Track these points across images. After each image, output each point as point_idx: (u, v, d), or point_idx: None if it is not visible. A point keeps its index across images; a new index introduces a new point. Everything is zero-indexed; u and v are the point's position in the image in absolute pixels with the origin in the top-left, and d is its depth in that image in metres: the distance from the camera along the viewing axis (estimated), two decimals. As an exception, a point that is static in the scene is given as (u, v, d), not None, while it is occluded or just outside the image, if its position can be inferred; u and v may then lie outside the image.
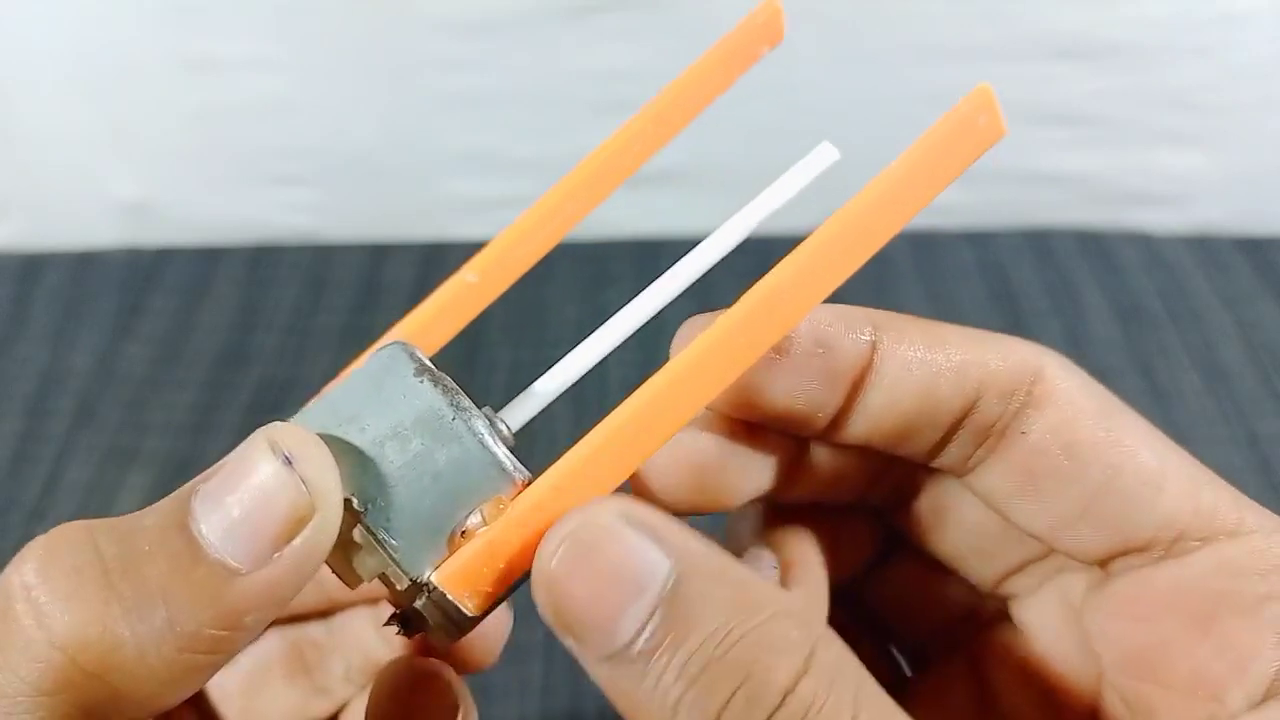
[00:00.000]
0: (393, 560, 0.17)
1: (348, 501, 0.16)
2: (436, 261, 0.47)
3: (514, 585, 0.17)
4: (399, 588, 0.17)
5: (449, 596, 0.17)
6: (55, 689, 0.14)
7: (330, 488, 0.16)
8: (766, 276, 0.17)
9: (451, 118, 0.46)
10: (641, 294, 0.19)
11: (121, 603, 0.15)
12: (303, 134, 0.47)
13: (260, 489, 0.16)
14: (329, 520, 0.16)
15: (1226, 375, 0.41)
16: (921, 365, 0.19)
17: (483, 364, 0.43)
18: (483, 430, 0.17)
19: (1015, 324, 0.43)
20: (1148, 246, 0.46)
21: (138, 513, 0.16)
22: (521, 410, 0.18)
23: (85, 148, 0.48)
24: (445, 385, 0.17)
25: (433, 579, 0.17)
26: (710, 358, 0.17)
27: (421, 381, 0.17)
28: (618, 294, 0.45)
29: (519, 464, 0.17)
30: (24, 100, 0.46)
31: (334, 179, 0.49)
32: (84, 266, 0.48)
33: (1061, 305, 0.44)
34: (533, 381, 0.19)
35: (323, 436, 0.16)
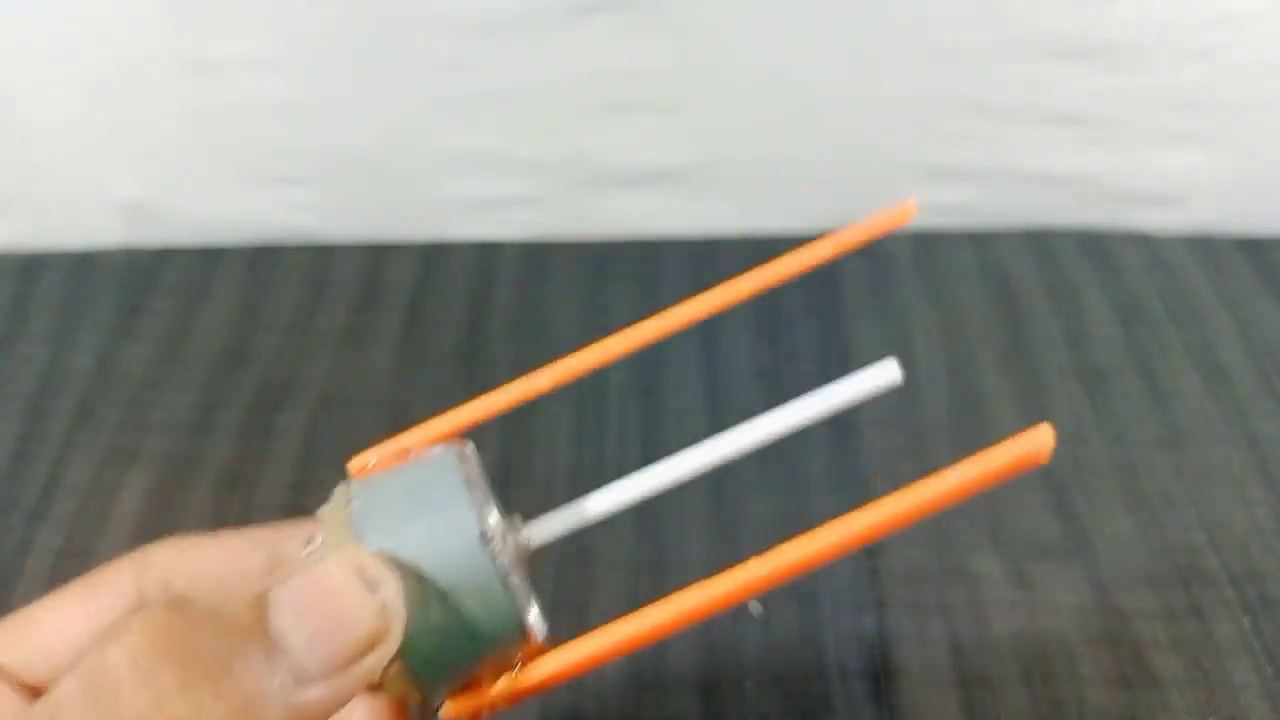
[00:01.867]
0: (417, 690, 0.19)
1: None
2: (436, 261, 0.48)
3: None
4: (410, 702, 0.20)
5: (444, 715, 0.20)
6: None
7: (400, 617, 0.18)
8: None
9: (451, 118, 0.46)
10: (699, 448, 0.22)
11: (224, 699, 0.16)
12: (303, 134, 0.47)
13: (345, 607, 0.17)
14: (393, 646, 0.18)
15: (1226, 375, 0.41)
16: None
17: (483, 363, 0.43)
18: (526, 610, 0.20)
19: (1015, 324, 0.43)
20: (1148, 246, 0.46)
21: (211, 609, 0.17)
22: (557, 524, 0.21)
23: (85, 148, 0.48)
24: (498, 557, 0.19)
25: (441, 712, 0.20)
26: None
27: (484, 551, 0.19)
28: (617, 294, 0.45)
29: (540, 624, 0.20)
30: (24, 100, 0.46)
31: (334, 179, 0.49)
32: (84, 266, 0.48)
33: (1061, 305, 0.44)
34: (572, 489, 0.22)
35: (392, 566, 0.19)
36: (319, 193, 0.49)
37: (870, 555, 0.35)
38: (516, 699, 0.20)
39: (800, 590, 0.35)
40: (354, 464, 0.22)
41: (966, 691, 0.32)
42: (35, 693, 0.20)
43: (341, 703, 0.17)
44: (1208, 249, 0.46)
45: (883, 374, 0.21)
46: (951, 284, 0.45)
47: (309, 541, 0.19)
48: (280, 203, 0.49)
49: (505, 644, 0.20)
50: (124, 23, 0.44)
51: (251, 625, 0.17)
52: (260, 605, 0.17)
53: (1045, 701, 0.32)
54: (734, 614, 0.34)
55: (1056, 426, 0.42)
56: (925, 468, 0.41)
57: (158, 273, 0.48)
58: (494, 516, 0.20)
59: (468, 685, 0.20)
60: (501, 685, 0.20)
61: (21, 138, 0.48)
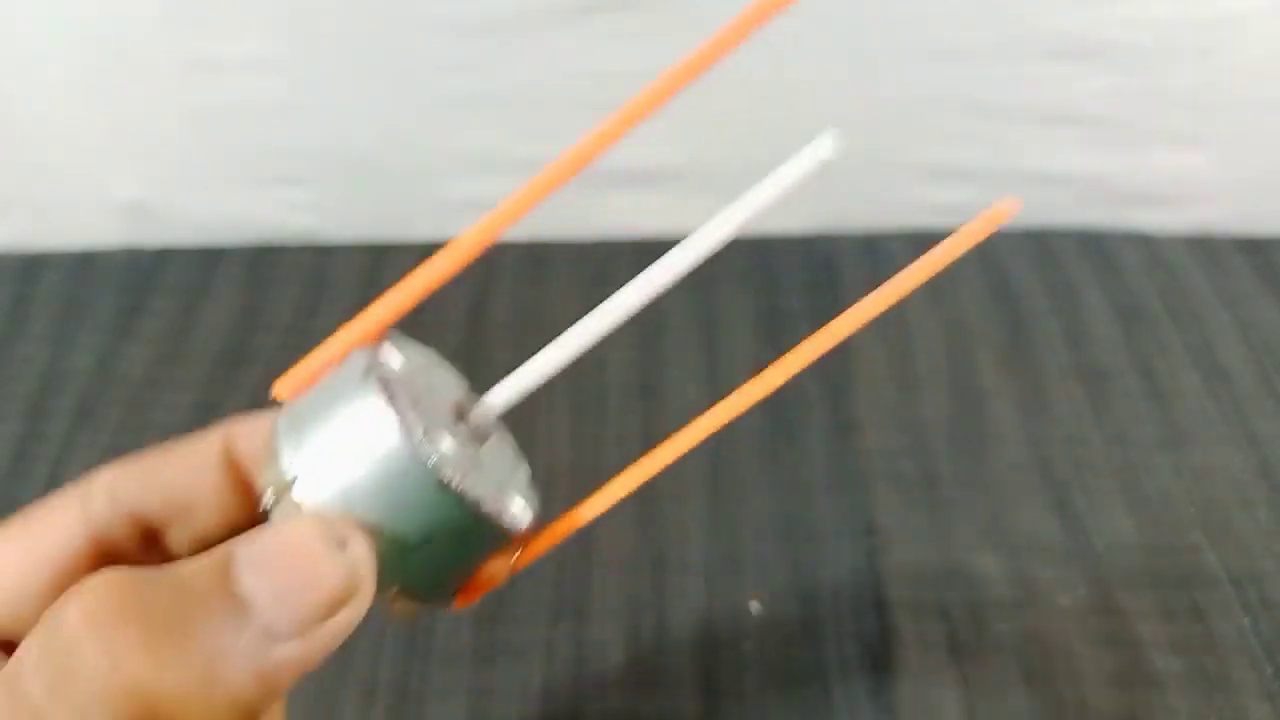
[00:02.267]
0: (422, 603, 0.20)
1: (381, 583, 0.18)
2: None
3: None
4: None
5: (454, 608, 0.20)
6: None
7: (371, 573, 0.18)
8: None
9: (451, 118, 0.46)
10: (629, 285, 0.21)
11: (186, 656, 0.16)
12: (303, 134, 0.47)
13: (313, 566, 0.17)
14: (364, 602, 0.17)
15: (1226, 375, 0.41)
16: None
17: (482, 363, 0.43)
18: (501, 505, 0.19)
19: (1015, 324, 0.43)
20: (1148, 246, 0.46)
21: (172, 565, 0.17)
22: (506, 393, 0.21)
23: (85, 148, 0.48)
24: (464, 489, 0.19)
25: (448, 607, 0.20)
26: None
27: (446, 495, 0.18)
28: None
29: (525, 514, 0.20)
30: (24, 100, 0.46)
31: (334, 179, 0.49)
32: (84, 266, 0.48)
33: (1061, 305, 0.44)
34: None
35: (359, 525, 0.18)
36: (319, 193, 0.49)
37: (870, 555, 0.36)
38: (520, 569, 0.21)
39: (800, 590, 0.35)
40: (280, 388, 0.21)
41: (966, 691, 0.32)
42: None
43: (313, 661, 0.17)
44: (1208, 249, 0.46)
45: (820, 148, 0.19)
46: (951, 284, 0.45)
47: (265, 498, 0.19)
48: (280, 203, 0.49)
49: (494, 540, 0.19)
50: (124, 23, 0.44)
51: (216, 584, 0.16)
52: (224, 564, 0.17)
53: (1045, 701, 0.32)
54: (734, 613, 0.34)
55: (1056, 427, 0.42)
56: (925, 468, 0.41)
57: (158, 273, 0.48)
58: (444, 442, 0.19)
59: (472, 578, 0.20)
60: (502, 572, 0.20)
61: (21, 138, 0.48)
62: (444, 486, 0.18)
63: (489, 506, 0.19)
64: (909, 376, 0.41)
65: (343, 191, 0.49)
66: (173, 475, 0.21)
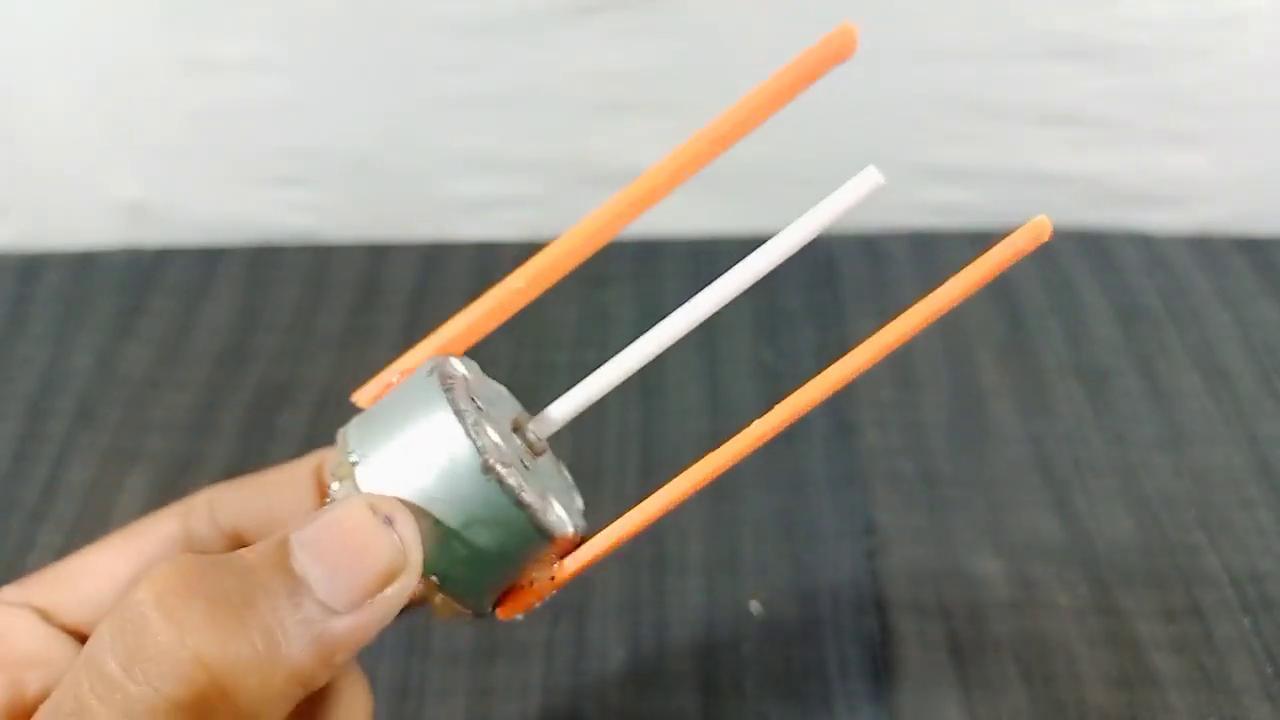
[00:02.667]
0: (463, 607, 0.20)
1: (425, 567, 0.19)
2: (436, 261, 0.48)
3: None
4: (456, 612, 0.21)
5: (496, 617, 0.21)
6: (192, 705, 0.16)
7: (417, 548, 0.19)
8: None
9: (451, 118, 0.46)
10: (674, 314, 0.22)
11: (247, 631, 0.17)
12: (302, 134, 0.47)
13: (363, 543, 0.18)
14: (413, 577, 0.19)
15: (1226, 375, 0.41)
16: None
17: (482, 363, 0.43)
18: (547, 513, 0.20)
19: (1015, 324, 0.43)
20: (1148, 246, 0.46)
21: (234, 553, 0.18)
22: (567, 407, 0.22)
23: (85, 148, 0.48)
24: (506, 477, 0.19)
25: (496, 612, 0.21)
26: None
27: (488, 480, 0.19)
28: (618, 294, 0.45)
29: (566, 521, 0.21)
30: (24, 100, 0.46)
31: (334, 179, 0.49)
32: (84, 266, 0.48)
33: (1061, 305, 0.44)
34: (559, 381, 0.22)
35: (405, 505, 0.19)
36: (319, 193, 0.49)
37: (870, 556, 0.36)
38: (564, 583, 0.21)
39: (800, 590, 0.35)
40: (360, 396, 0.23)
41: (966, 691, 0.32)
42: (81, 637, 0.21)
43: (367, 635, 0.18)
44: (1208, 249, 0.46)
45: (865, 181, 0.21)
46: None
47: (331, 489, 0.20)
48: (280, 203, 0.49)
49: (538, 549, 0.20)
50: (124, 23, 0.44)
51: (275, 565, 0.18)
52: (282, 547, 0.18)
53: (1045, 701, 0.32)
54: (734, 614, 0.34)
55: (1056, 426, 0.42)
56: (925, 468, 0.41)
57: (158, 273, 0.48)
58: (492, 434, 0.20)
59: (516, 586, 0.21)
60: (545, 583, 0.21)
61: (21, 138, 0.48)
62: (487, 469, 0.19)
63: (529, 499, 0.19)
64: (909, 376, 0.41)
65: (343, 191, 0.49)
66: (267, 496, 0.23)
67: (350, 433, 0.20)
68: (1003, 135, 0.46)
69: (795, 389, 0.20)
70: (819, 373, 0.20)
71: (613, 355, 0.21)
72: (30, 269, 0.48)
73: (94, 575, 0.22)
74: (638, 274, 0.46)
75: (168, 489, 0.39)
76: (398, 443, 0.20)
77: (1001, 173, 0.47)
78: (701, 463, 0.21)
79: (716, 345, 0.43)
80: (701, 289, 0.22)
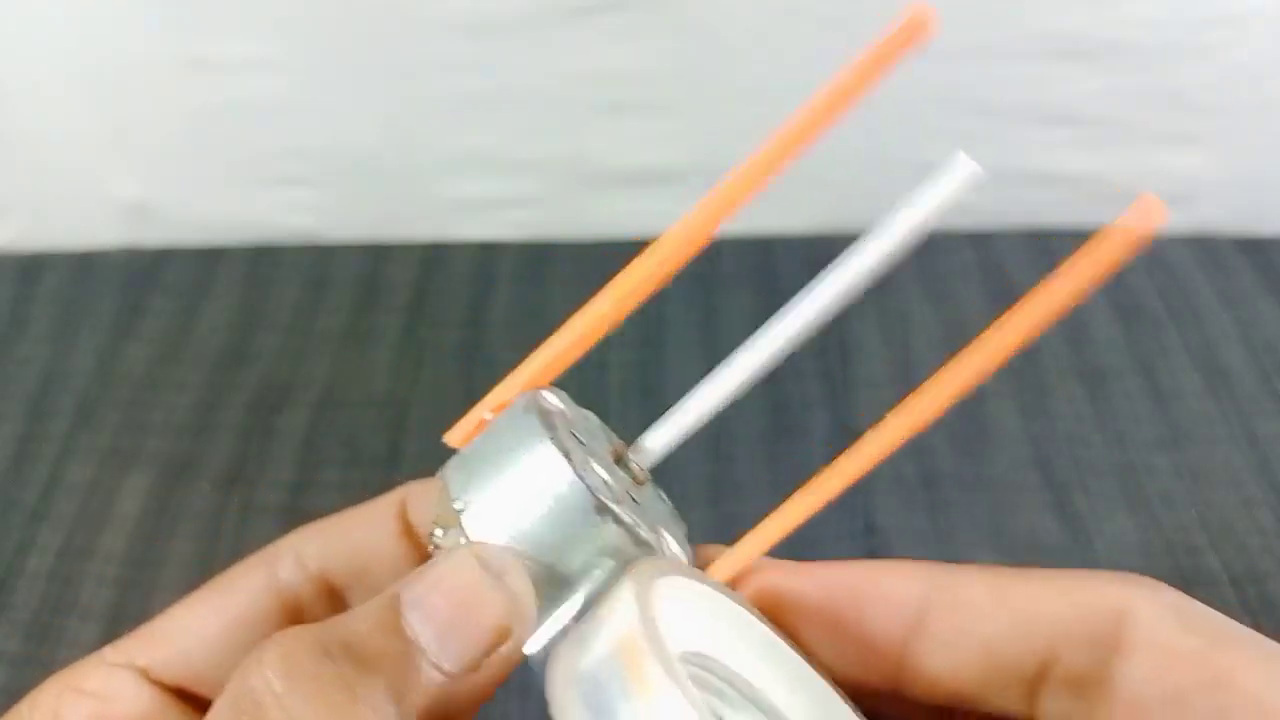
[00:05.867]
0: None
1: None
2: (436, 261, 0.47)
3: None
4: None
5: None
6: None
7: (530, 604, 0.18)
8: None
9: (451, 118, 0.46)
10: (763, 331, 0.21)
11: (362, 708, 0.16)
12: (303, 134, 0.47)
13: (475, 600, 0.17)
14: (528, 630, 0.18)
15: (1226, 375, 0.41)
16: (979, 622, 0.19)
17: (483, 363, 0.43)
18: (667, 555, 0.19)
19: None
20: (1148, 246, 0.46)
21: (346, 615, 0.17)
22: (664, 437, 0.21)
23: (85, 148, 0.48)
24: (619, 514, 0.18)
25: None
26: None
27: (605, 522, 0.18)
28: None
29: (682, 554, 0.20)
30: (24, 100, 0.46)
31: (334, 179, 0.49)
32: (84, 266, 0.48)
33: (1061, 305, 0.44)
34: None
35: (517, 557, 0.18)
36: (319, 193, 0.49)
37: (870, 555, 0.35)
38: None
39: (800, 590, 0.35)
40: (452, 436, 0.21)
41: (966, 691, 0.32)
42: (178, 694, 0.21)
43: (485, 693, 0.17)
44: (1208, 249, 0.46)
45: (961, 169, 0.19)
46: (951, 284, 0.45)
47: (433, 537, 0.19)
48: (280, 203, 0.49)
49: None
50: (124, 23, 0.44)
51: (387, 629, 0.17)
52: (392, 607, 0.17)
53: (1045, 701, 0.32)
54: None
55: (1056, 426, 0.42)
56: (925, 468, 0.41)
57: (158, 273, 0.48)
58: (599, 470, 0.19)
59: None
60: None
61: (21, 138, 0.48)
62: (601, 509, 0.18)
63: (646, 535, 0.19)
64: (909, 376, 0.41)
65: (343, 191, 0.49)
66: (352, 538, 0.22)
67: (450, 476, 0.20)
68: (1003, 135, 0.46)
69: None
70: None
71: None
72: (30, 269, 0.48)
73: (189, 634, 0.21)
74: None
75: (167, 489, 0.39)
76: (502, 486, 0.19)
77: (1001, 173, 0.47)
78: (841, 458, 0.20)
79: (717, 345, 0.43)
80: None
